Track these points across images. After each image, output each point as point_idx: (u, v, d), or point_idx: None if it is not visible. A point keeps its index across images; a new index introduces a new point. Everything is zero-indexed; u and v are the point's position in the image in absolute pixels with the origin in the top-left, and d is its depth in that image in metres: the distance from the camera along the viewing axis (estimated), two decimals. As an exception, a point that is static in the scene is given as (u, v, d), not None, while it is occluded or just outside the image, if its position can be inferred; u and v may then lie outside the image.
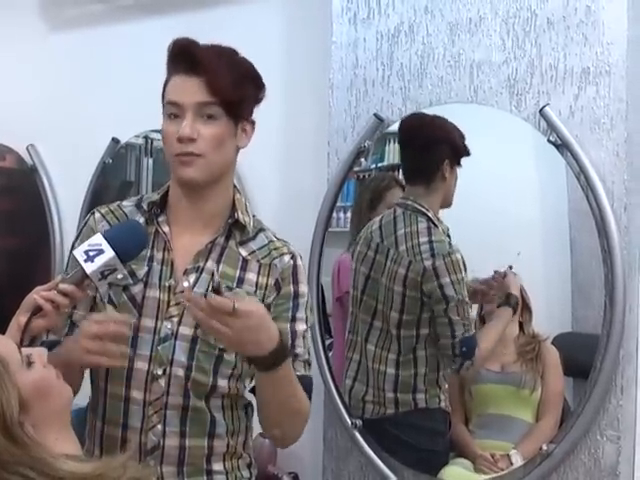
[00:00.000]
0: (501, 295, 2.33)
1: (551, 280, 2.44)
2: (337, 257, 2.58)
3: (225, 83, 1.71)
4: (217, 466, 1.80)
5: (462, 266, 2.27)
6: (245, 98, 1.78)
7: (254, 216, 1.89)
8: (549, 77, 2.20)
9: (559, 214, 2.38)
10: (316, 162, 2.55)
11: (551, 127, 2.17)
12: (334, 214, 2.65)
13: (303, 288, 1.84)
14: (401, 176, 2.59)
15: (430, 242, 2.31)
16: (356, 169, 2.58)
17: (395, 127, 2.43)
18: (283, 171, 2.75)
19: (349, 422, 2.38)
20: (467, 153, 2.30)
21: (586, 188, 2.15)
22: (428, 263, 2.26)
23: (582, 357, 2.21)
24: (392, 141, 2.58)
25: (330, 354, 2.57)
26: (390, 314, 2.32)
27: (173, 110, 1.74)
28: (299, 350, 1.81)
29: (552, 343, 2.37)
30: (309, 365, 1.84)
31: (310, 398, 1.81)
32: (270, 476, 2.47)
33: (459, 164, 2.32)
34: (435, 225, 2.33)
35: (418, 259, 2.28)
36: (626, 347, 2.14)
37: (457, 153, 2.30)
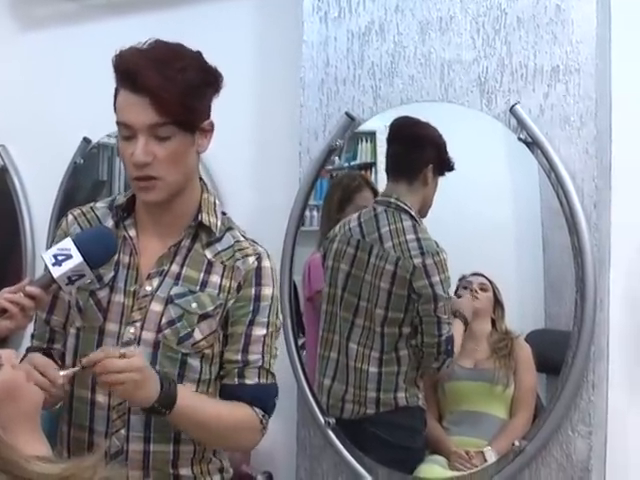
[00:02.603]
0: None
1: (524, 277, 2.44)
2: (308, 256, 2.57)
3: (174, 101, 1.63)
4: (184, 471, 1.78)
5: (447, 265, 2.29)
6: (199, 107, 1.71)
7: (224, 214, 1.86)
8: (519, 75, 2.20)
9: (531, 212, 2.39)
10: (288, 161, 2.54)
11: (521, 125, 2.17)
12: (307, 213, 2.64)
13: (267, 291, 1.79)
14: (373, 176, 2.60)
15: (418, 240, 2.30)
16: (329, 167, 2.57)
17: (367, 126, 2.43)
18: (255, 170, 2.74)
19: (322, 421, 2.37)
20: (451, 167, 2.30)
21: (556, 186, 2.16)
22: (418, 261, 2.25)
23: (555, 354, 2.22)
24: (365, 140, 2.59)
25: (303, 353, 2.58)
26: (375, 311, 2.31)
27: (125, 132, 1.68)
28: (253, 357, 1.77)
29: (525, 340, 2.38)
30: (268, 373, 1.79)
31: (268, 407, 1.78)
32: (244, 476, 2.46)
33: (442, 174, 2.33)
34: (419, 223, 2.34)
35: (407, 256, 2.27)
36: (597, 343, 2.16)
37: (442, 162, 2.30)
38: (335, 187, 2.60)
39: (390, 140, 2.38)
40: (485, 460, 2.27)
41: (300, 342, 2.59)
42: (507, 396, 2.35)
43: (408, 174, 2.35)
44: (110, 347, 1.68)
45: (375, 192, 2.53)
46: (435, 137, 2.31)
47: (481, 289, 2.40)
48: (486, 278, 2.42)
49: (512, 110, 2.18)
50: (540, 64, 2.18)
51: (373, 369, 2.33)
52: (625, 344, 2.26)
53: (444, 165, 2.31)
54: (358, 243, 2.36)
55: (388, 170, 2.40)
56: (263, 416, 1.77)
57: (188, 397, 1.66)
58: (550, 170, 2.16)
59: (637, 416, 2.25)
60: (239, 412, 1.75)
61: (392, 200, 2.35)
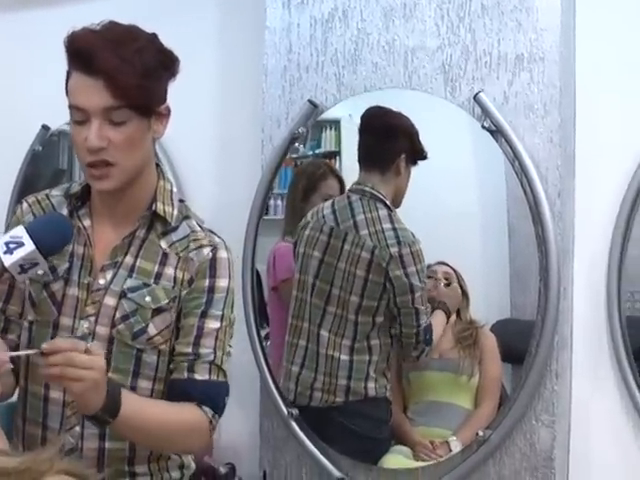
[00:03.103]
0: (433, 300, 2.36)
1: (490, 267, 2.45)
2: (273, 245, 2.57)
3: (130, 83, 1.58)
4: (141, 469, 1.73)
5: (423, 255, 2.29)
6: (155, 90, 1.65)
7: (182, 202, 1.81)
8: (483, 63, 2.20)
9: (497, 201, 2.39)
10: (250, 149, 2.52)
11: (485, 113, 2.17)
12: (271, 202, 2.64)
13: (222, 283, 1.73)
14: (338, 165, 2.60)
15: (394, 229, 2.30)
16: (293, 155, 2.57)
17: (331, 114, 2.42)
18: (216, 158, 2.72)
19: (285, 412, 2.37)
20: (424, 157, 2.30)
21: (520, 174, 2.16)
22: (394, 250, 2.25)
23: (520, 343, 2.22)
24: (329, 128, 2.58)
25: (267, 343, 2.57)
26: (349, 299, 2.30)
27: (78, 116, 1.61)
28: (204, 351, 1.70)
29: (491, 330, 2.39)
30: (220, 370, 1.72)
31: (218, 406, 1.71)
32: (206, 468, 2.44)
33: (415, 163, 2.32)
34: (394, 213, 2.33)
35: (383, 245, 2.26)
36: (560, 332, 2.17)
37: (414, 152, 2.30)
38: (299, 175, 2.60)
39: (362, 130, 2.37)
40: (450, 450, 2.28)
41: (264, 333, 2.58)
42: (472, 386, 2.36)
43: (381, 164, 2.34)
44: (74, 339, 1.62)
45: (340, 180, 2.53)
46: (408, 127, 2.30)
47: (445, 278, 2.41)
48: (450, 267, 2.43)
49: (476, 98, 2.18)
50: (504, 52, 2.18)
51: (344, 357, 2.32)
52: (589, 333, 2.28)
53: (417, 155, 2.31)
54: (331, 230, 2.36)
55: (360, 160, 2.39)
56: (213, 416, 1.69)
57: (132, 403, 1.59)
58: (514, 158, 2.16)
59: (600, 405, 2.27)
60: (187, 415, 1.68)
61: (367, 189, 2.35)
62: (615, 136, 2.24)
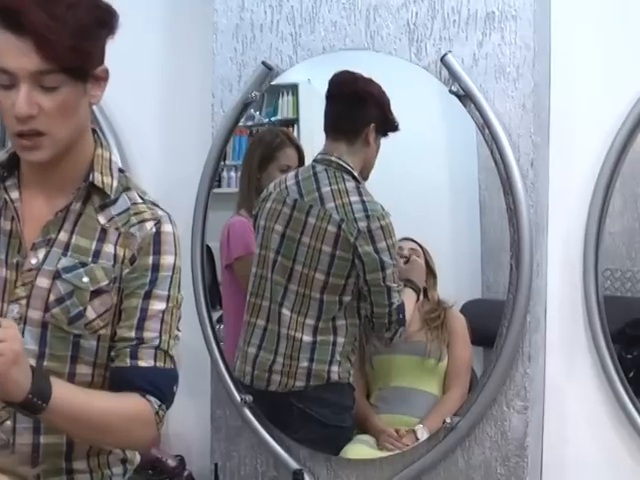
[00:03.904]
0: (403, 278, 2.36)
1: (459, 243, 2.46)
2: (227, 220, 2.55)
3: (62, 44, 1.51)
4: (79, 464, 1.69)
5: (393, 230, 2.28)
6: (91, 51, 1.59)
7: (122, 171, 1.75)
8: (451, 22, 2.18)
9: (468, 172, 2.40)
10: (199, 115, 2.50)
11: (453, 76, 2.16)
12: (224, 173, 2.62)
13: (167, 260, 1.69)
14: (296, 133, 2.59)
15: (362, 202, 2.29)
16: (248, 123, 2.55)
17: (288, 78, 2.41)
18: (163, 125, 2.69)
19: (239, 399, 2.36)
20: (395, 128, 2.30)
21: (491, 142, 2.15)
22: (363, 225, 2.24)
23: (492, 325, 2.23)
24: (286, 93, 2.56)
25: (221, 327, 2.56)
26: (314, 276, 2.29)
27: (5, 79, 1.54)
28: (149, 335, 1.66)
29: (461, 311, 2.41)
30: (166, 356, 1.67)
31: (165, 395, 1.66)
32: (153, 460, 2.43)
33: (385, 134, 2.32)
34: (362, 185, 2.33)
35: (350, 218, 2.25)
36: (533, 312, 2.18)
37: (385, 123, 2.30)
38: (255, 145, 2.58)
39: (329, 96, 2.36)
40: (417, 439, 2.29)
41: (217, 315, 2.58)
42: (440, 370, 2.37)
43: (349, 133, 2.33)
44: None
45: (299, 150, 2.51)
46: (379, 95, 2.29)
47: (412, 254, 2.41)
48: (417, 243, 2.42)
49: (443, 60, 2.17)
50: (474, 10, 2.17)
51: (307, 338, 2.31)
52: (564, 313, 2.29)
53: (387, 125, 2.31)
54: (295, 203, 2.34)
55: (327, 128, 2.37)
56: (159, 406, 1.64)
57: (65, 390, 1.55)
58: (484, 125, 2.15)
59: (576, 389, 2.30)
60: (130, 406, 1.63)
61: (333, 159, 2.33)
62: (593, 102, 2.24)
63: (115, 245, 1.67)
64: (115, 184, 1.71)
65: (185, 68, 2.64)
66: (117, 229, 1.68)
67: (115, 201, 1.70)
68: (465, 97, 2.17)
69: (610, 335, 2.23)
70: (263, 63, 2.34)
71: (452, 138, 2.42)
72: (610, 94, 2.22)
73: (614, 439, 2.26)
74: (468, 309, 2.40)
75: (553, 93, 2.28)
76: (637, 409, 2.19)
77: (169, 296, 1.69)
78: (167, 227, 1.71)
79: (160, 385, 1.67)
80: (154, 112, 2.70)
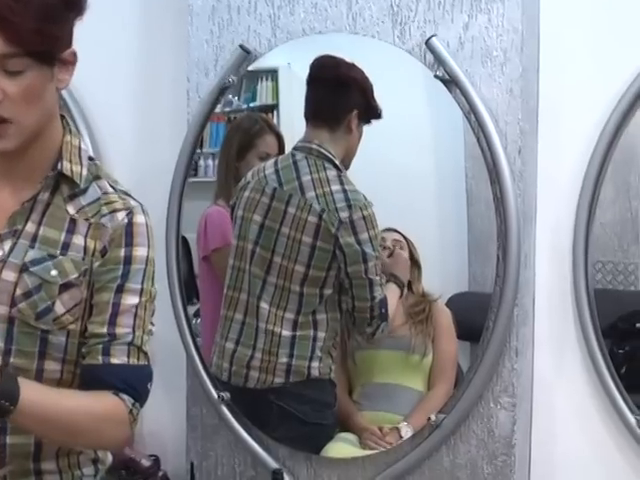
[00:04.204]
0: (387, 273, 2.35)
1: (445, 234, 2.46)
2: (204, 210, 2.54)
3: (26, 27, 1.49)
4: (48, 465, 1.67)
5: (376, 221, 2.27)
6: (58, 34, 1.56)
7: (92, 159, 1.73)
8: (436, 4, 2.17)
9: (454, 160, 2.39)
10: (174, 101, 2.49)
11: (438, 60, 2.15)
12: (201, 162, 2.62)
13: (140, 252, 1.67)
14: (276, 119, 2.58)
15: (344, 191, 2.28)
16: (226, 110, 2.54)
17: (266, 62, 2.40)
18: (136, 111, 2.68)
19: (215, 396, 2.36)
20: (378, 115, 2.29)
21: (477, 129, 2.14)
22: (344, 215, 2.23)
23: (479, 319, 2.22)
24: (265, 78, 2.55)
25: (197, 321, 2.55)
26: (294, 268, 2.28)
27: None
28: (121, 331, 1.64)
29: (447, 304, 2.40)
30: (140, 352, 1.65)
31: (139, 393, 1.65)
32: (127, 460, 2.42)
33: (368, 121, 2.31)
34: (344, 174, 2.32)
35: (332, 208, 2.24)
36: (521, 305, 2.17)
37: (368, 109, 2.29)
38: (233, 132, 2.57)
39: (310, 81, 2.35)
40: (400, 437, 2.29)
41: (194, 309, 2.58)
42: (425, 366, 2.36)
43: (330, 120, 2.32)
44: None
45: (279, 137, 2.50)
46: (362, 80, 2.28)
47: (396, 247, 2.40)
48: (401, 234, 2.41)
49: (428, 43, 2.16)
50: (460, -9, 2.16)
51: (286, 332, 2.31)
52: (553, 305, 2.29)
53: (370, 112, 2.30)
54: (274, 192, 2.33)
55: (307, 115, 2.37)
56: (133, 405, 1.62)
57: (34, 391, 1.52)
58: (470, 111, 2.14)
59: (565, 386, 2.29)
60: (101, 404, 1.61)
61: (314, 147, 2.32)
62: (583, 87, 2.23)
63: (85, 237, 1.65)
64: (85, 173, 1.69)
65: (159, 52, 2.62)
66: (87, 220, 1.66)
67: (85, 191, 1.68)
68: (450, 82, 2.15)
69: (601, 329, 2.22)
70: (240, 46, 2.33)
71: (437, 125, 2.42)
72: (601, 79, 2.21)
73: (604, 436, 2.25)
74: (454, 302, 2.39)
75: (542, 78, 2.27)
76: (628, 405, 2.18)
77: (142, 290, 1.67)
78: (140, 218, 1.69)
79: (134, 383, 1.65)
80: (127, 97, 2.68)
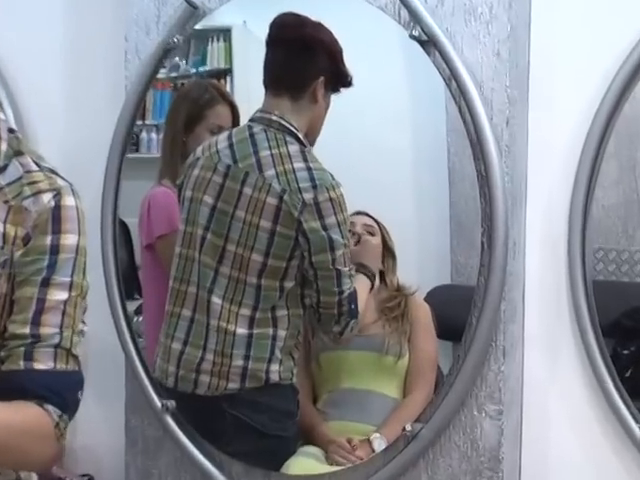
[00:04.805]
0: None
1: (424, 218, 2.48)
2: (147, 192, 2.54)
3: None
4: None
5: (345, 203, 2.26)
6: None
7: (12, 132, 1.72)
8: (412, -48, 2.18)
9: (434, 134, 2.41)
10: (111, 63, 2.49)
11: (414, 18, 2.15)
12: (143, 135, 2.62)
13: (69, 240, 1.66)
14: (229, 86, 2.59)
15: (309, 169, 2.26)
16: (172, 75, 2.55)
17: (218, 19, 2.40)
18: (67, 76, 2.67)
19: (159, 404, 2.36)
20: (347, 82, 2.29)
21: (458, 98, 2.14)
22: (308, 196, 2.22)
23: (462, 315, 2.22)
24: (217, 39, 2.56)
25: (139, 319, 2.57)
26: (250, 257, 2.26)
27: None
28: (47, 331, 1.63)
29: (425, 299, 2.41)
30: (69, 356, 1.64)
31: (67, 404, 1.62)
32: (55, 481, 2.44)
33: (336, 90, 2.31)
34: (308, 149, 2.31)
35: (294, 188, 2.23)
36: (509, 299, 2.18)
37: (336, 76, 2.29)
38: (180, 101, 2.58)
39: (270, 43, 2.34)
40: (373, 450, 2.30)
41: (135, 305, 2.59)
42: (400, 369, 2.38)
43: (293, 88, 2.30)
44: None
45: (233, 107, 2.51)
46: (329, 42, 2.28)
47: (367, 232, 2.40)
48: (372, 218, 2.42)
49: (403, -2, 2.16)
50: (439, -64, 2.16)
51: (241, 330, 2.29)
52: (545, 299, 2.30)
53: (339, 79, 2.30)
54: (228, 170, 2.31)
55: (267, 81, 2.36)
56: (60, 417, 1.62)
57: None
58: (450, 77, 2.14)
59: (560, 390, 2.31)
60: (21, 416, 1.59)
61: (274, 118, 2.31)
62: (581, 48, 2.24)
63: (4, 222, 1.64)
64: (4, 147, 1.68)
65: (92, 7, 2.62)
66: (6, 202, 1.65)
67: (4, 168, 1.67)
68: (429, 43, 2.15)
69: (601, 327, 2.23)
70: (186, 1, 2.32)
71: (414, 93, 2.44)
72: (602, 39, 2.21)
73: (605, 449, 2.27)
74: (434, 296, 2.41)
75: (533, 39, 2.27)
76: (632, 413, 2.20)
77: (72, 283, 1.67)
78: (69, 200, 1.68)
79: (61, 391, 1.64)
80: (55, 61, 2.68)
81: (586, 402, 2.27)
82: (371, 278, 2.38)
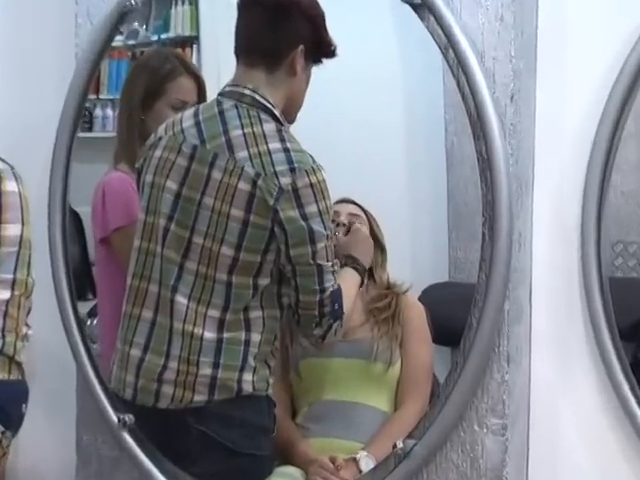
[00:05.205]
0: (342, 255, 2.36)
1: (419, 207, 2.49)
2: (102, 177, 2.53)
3: None
4: None
5: (328, 189, 2.24)
6: None
7: None
8: None
9: (430, 111, 2.43)
10: (59, 30, 2.49)
11: (406, -23, 2.16)
12: (97, 111, 2.62)
13: (10, 231, 1.72)
14: (195, 57, 2.59)
15: (286, 150, 2.23)
16: (130, 42, 2.54)
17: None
18: (9, 44, 2.67)
19: (115, 419, 2.35)
20: (331, 52, 2.28)
21: (457, 69, 2.16)
22: (286, 181, 2.20)
23: (461, 317, 2.24)
24: (181, 2, 2.55)
25: (93, 322, 2.55)
26: (219, 251, 2.24)
27: None
28: None
29: (420, 298, 2.44)
30: (11, 362, 1.70)
31: (10, 416, 1.67)
32: (-5, 507, 2.43)
33: (318, 61, 2.29)
34: (285, 128, 2.30)
35: (269, 172, 2.21)
36: (514, 298, 2.19)
37: (318, 45, 2.27)
38: (137, 72, 2.55)
39: (243, 6, 2.33)
40: (359, 470, 2.31)
41: (89, 307, 2.58)
42: (390, 378, 2.40)
43: (269, 58, 2.28)
44: None
45: (198, 79, 2.52)
46: (309, 6, 2.26)
47: (352, 222, 2.41)
48: (359, 207, 2.43)
49: (393, -45, 2.17)
50: None
51: (210, 334, 2.27)
52: (555, 298, 2.32)
53: (321, 48, 2.28)
54: (194, 151, 2.30)
55: (238, 50, 2.34)
56: (3, 433, 1.68)
57: None
58: (448, 46, 2.15)
59: (572, 401, 2.33)
60: None
61: (246, 92, 2.30)
62: (596, 13, 2.25)
63: None
64: None
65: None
66: None
67: None
68: (422, 7, 2.17)
69: (620, 330, 2.25)
70: (146, -44, 2.35)
71: (407, 64, 2.45)
72: (620, 1, 2.23)
73: (622, 465, 2.29)
74: (429, 295, 2.44)
75: (542, 2, 2.29)
76: (654, 425, 2.22)
77: (15, 281, 1.69)
78: (10, 184, 1.70)
79: (3, 404, 1.66)
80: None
81: (601, 414, 2.30)
82: (361, 273, 2.37)
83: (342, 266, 2.33)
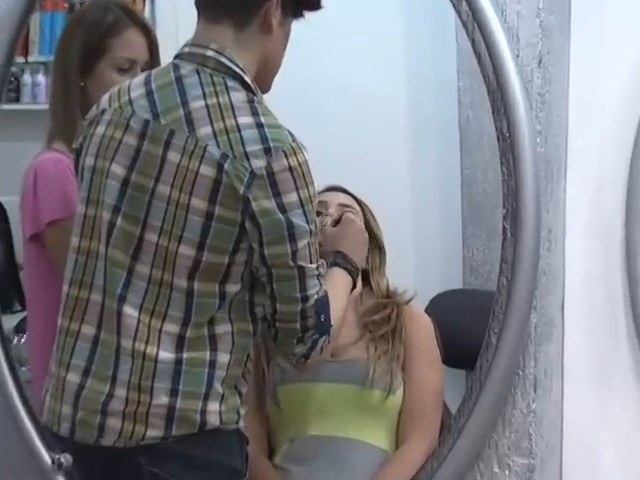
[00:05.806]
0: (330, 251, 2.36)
1: (426, 198, 2.50)
2: (33, 159, 2.54)
3: None
4: None
5: (311, 174, 2.21)
6: None
7: None
8: None
9: (440, 79, 2.46)
10: None
11: None
12: (25, 78, 2.61)
13: None
14: (148, 7, 2.60)
15: (259, 126, 2.19)
16: None
17: None
18: None
19: (48, 460, 2.35)
20: (315, 4, 2.27)
21: (472, 26, 2.16)
22: (259, 164, 2.17)
23: (478, 332, 2.25)
24: (127, -59, 2.57)
25: (20, 340, 2.57)
26: (177, 251, 2.21)
27: None
28: None
29: (427, 310, 2.46)
30: None
31: None
32: None
33: (298, 14, 2.29)
34: (258, 98, 2.29)
35: (239, 153, 2.17)
36: (542, 309, 2.20)
37: None
38: (74, 27, 2.56)
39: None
40: (351, 525, 2.33)
41: (15, 321, 2.61)
42: (390, 409, 2.40)
43: (237, 11, 2.26)
44: None
45: (148, 33, 2.53)
46: None
47: (343, 215, 2.41)
48: (351, 196, 2.44)
49: None
50: None
51: (166, 355, 2.24)
52: (594, 309, 2.32)
53: (303, 2, 2.28)
54: (145, 127, 2.27)
55: (200, 2, 2.36)
56: None
57: None
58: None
59: (616, 436, 2.33)
60: None
61: (210, 54, 2.28)
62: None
63: None
64: None
65: None
66: None
67: None
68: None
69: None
70: None
71: (412, 21, 2.45)
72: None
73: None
74: (439, 306, 2.47)
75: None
76: None
77: None
78: None
79: None
80: None
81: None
82: (353, 274, 2.36)
83: (330, 266, 2.32)
